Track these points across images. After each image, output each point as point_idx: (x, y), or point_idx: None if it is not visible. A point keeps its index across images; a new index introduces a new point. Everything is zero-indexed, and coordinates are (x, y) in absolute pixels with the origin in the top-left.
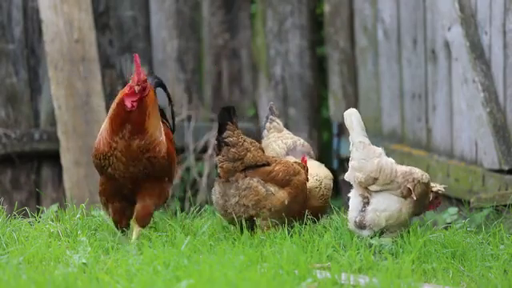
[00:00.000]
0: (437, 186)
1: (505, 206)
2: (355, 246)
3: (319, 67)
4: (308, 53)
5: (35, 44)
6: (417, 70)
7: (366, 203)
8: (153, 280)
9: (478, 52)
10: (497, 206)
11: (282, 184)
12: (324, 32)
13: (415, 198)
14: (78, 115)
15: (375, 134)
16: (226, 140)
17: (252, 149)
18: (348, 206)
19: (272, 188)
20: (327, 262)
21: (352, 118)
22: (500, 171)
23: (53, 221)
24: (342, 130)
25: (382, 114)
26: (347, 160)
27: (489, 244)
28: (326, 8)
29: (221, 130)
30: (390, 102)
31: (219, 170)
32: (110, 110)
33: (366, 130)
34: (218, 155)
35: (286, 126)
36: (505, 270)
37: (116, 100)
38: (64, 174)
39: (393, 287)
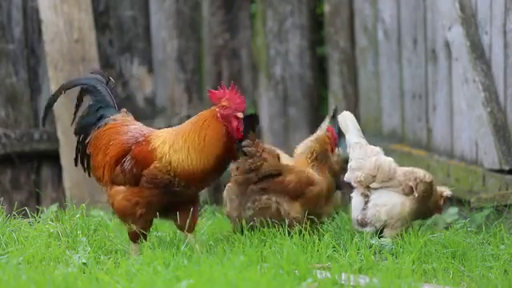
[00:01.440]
0: (446, 191)
1: (505, 206)
2: (355, 246)
3: (319, 67)
4: (308, 53)
5: (35, 44)
6: (417, 70)
7: (367, 201)
8: (153, 280)
9: (479, 52)
10: (497, 206)
11: (294, 195)
12: (324, 32)
13: (417, 195)
14: None
15: (375, 134)
16: (243, 149)
17: (269, 158)
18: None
19: (287, 206)
20: (327, 262)
21: (347, 120)
22: (500, 171)
23: (52, 221)
24: None
25: (382, 114)
26: (346, 161)
27: (489, 244)
28: (326, 8)
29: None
30: (390, 101)
31: (232, 180)
32: (200, 139)
33: (362, 131)
34: (234, 163)
35: (286, 126)
36: (505, 270)
37: (210, 128)
38: (64, 174)
39: (393, 287)
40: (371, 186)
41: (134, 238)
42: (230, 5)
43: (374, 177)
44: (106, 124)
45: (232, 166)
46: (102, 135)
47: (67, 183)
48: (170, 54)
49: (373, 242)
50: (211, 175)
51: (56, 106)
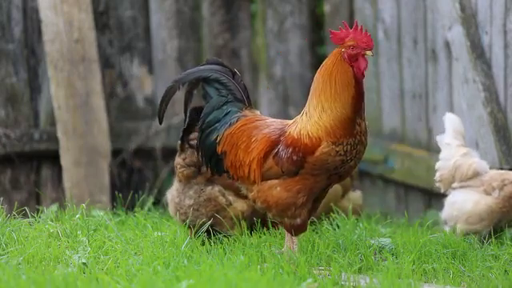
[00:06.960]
0: None
1: None
2: (355, 246)
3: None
4: (308, 53)
5: (35, 44)
6: (417, 70)
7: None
8: (153, 280)
9: (479, 52)
10: None
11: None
12: (324, 32)
13: (497, 195)
14: (78, 115)
15: (375, 134)
16: (191, 143)
17: None
18: None
19: (231, 197)
20: (327, 263)
21: (447, 121)
22: None
23: (52, 221)
24: None
25: (382, 114)
26: None
27: (489, 244)
28: (326, 8)
29: (188, 131)
30: (391, 101)
31: (179, 174)
32: (331, 85)
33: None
34: (180, 156)
35: None
36: (505, 271)
37: (339, 71)
38: (64, 174)
39: None
40: (452, 186)
41: (298, 230)
42: (229, 5)
43: (454, 177)
44: (238, 120)
45: (178, 159)
46: (238, 132)
47: (67, 183)
48: (170, 54)
49: (373, 242)
50: (353, 124)
51: (56, 106)
